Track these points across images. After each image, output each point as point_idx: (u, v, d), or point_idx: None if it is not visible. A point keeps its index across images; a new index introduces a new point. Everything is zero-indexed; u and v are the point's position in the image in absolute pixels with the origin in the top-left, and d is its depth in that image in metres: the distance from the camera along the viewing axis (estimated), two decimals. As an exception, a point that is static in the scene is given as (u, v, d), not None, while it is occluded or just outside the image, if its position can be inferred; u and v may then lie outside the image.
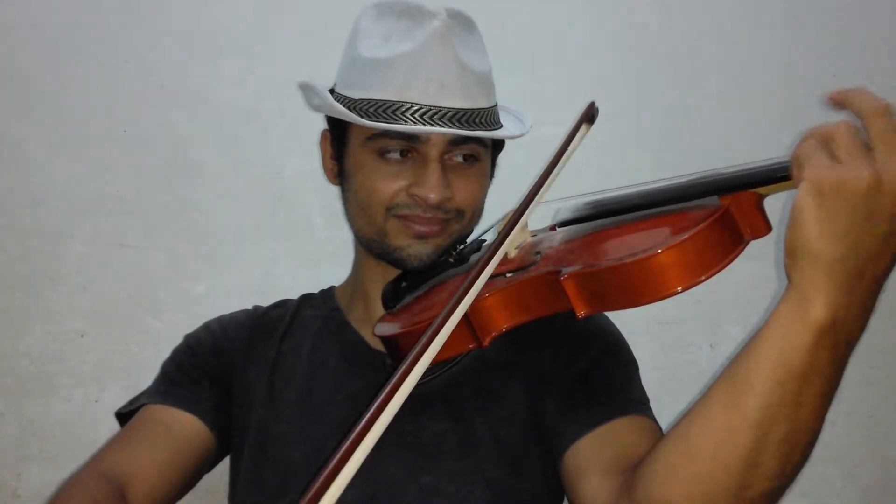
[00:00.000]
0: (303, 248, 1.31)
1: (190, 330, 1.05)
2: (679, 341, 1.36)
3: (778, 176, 0.63)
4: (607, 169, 1.31)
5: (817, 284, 0.54)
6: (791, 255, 0.56)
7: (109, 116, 1.27)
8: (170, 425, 0.92)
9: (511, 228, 0.79)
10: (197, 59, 1.29)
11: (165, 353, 1.03)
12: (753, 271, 1.32)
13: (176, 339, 1.04)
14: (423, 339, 0.65)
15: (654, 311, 1.31)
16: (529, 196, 0.81)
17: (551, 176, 0.82)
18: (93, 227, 1.27)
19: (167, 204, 1.29)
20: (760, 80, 1.38)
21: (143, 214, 1.28)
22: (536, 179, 0.81)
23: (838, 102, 0.56)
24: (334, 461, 0.55)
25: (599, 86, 1.35)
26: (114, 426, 0.99)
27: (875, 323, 0.58)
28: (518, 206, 0.81)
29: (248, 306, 1.08)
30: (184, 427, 0.93)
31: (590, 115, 0.87)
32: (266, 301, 1.09)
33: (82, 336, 1.26)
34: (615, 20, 1.36)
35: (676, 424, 0.65)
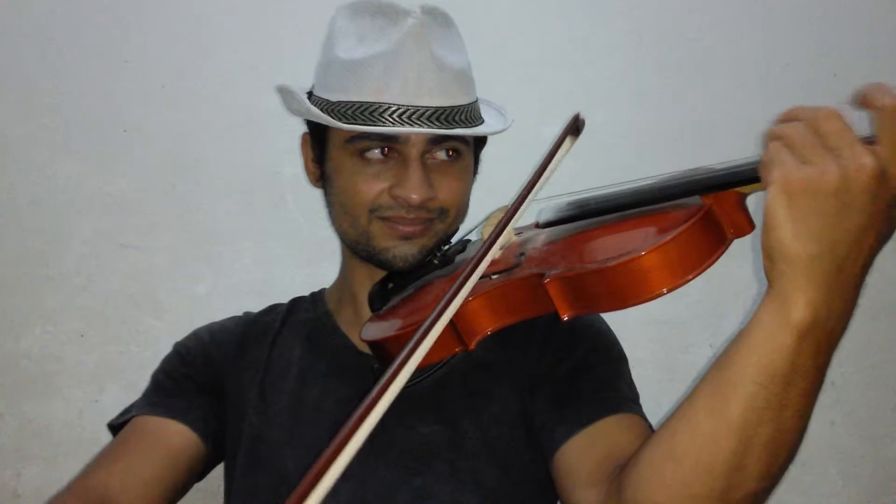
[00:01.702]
0: (303, 248, 1.31)
1: (191, 329, 1.05)
2: (679, 341, 1.36)
3: (759, 175, 0.62)
4: (604, 169, 1.31)
5: (797, 285, 0.54)
6: (769, 258, 0.56)
7: (109, 116, 1.27)
8: (159, 437, 0.92)
9: (498, 235, 0.76)
10: (197, 59, 1.29)
11: (165, 354, 1.03)
12: (753, 271, 1.32)
13: (176, 339, 1.04)
14: (409, 346, 0.64)
15: (655, 312, 1.30)
16: (513, 208, 0.78)
17: (536, 187, 0.80)
18: (93, 227, 1.27)
19: (167, 204, 1.29)
20: (760, 80, 1.37)
21: (143, 214, 1.28)
22: (521, 190, 0.79)
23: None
24: (318, 466, 0.54)
25: (596, 86, 1.35)
26: (114, 426, 0.99)
27: (874, 322, 0.58)
28: (502, 218, 0.78)
29: (248, 306, 1.08)
30: (174, 438, 0.92)
31: (575, 127, 0.84)
32: (266, 300, 1.09)
33: (82, 336, 1.26)
34: (613, 19, 1.36)
35: (662, 427, 0.65)
